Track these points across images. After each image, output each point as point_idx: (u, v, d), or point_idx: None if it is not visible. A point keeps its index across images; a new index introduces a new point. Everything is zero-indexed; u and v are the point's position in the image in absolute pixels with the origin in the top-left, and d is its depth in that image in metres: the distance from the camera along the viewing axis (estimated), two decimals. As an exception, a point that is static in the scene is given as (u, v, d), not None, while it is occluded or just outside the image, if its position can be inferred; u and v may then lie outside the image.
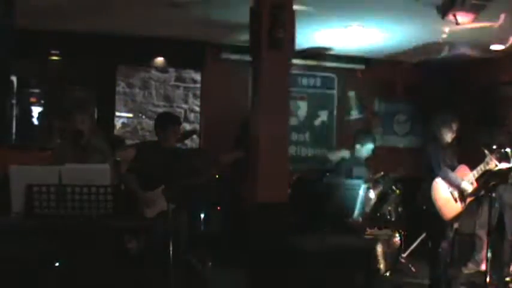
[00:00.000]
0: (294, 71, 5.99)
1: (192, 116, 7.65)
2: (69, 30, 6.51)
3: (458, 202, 5.22)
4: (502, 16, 5.22)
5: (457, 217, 5.29)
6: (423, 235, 6.15)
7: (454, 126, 5.31)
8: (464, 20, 4.71)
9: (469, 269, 5.99)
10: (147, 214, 4.73)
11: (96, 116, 6.66)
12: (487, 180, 5.04)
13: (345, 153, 6.27)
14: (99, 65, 6.89)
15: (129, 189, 4.73)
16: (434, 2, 4.75)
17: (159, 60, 7.29)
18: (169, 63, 7.38)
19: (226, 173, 6.22)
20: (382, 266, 5.67)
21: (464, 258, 6.05)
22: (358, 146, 6.15)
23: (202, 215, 5.89)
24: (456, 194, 5.22)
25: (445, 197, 5.19)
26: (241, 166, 5.40)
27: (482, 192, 5.14)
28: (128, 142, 6.98)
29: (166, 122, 5.12)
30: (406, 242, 6.05)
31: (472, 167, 5.25)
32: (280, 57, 4.65)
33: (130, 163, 4.86)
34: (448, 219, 5.19)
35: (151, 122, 7.22)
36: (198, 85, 7.62)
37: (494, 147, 5.11)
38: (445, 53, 6.99)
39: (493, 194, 4.96)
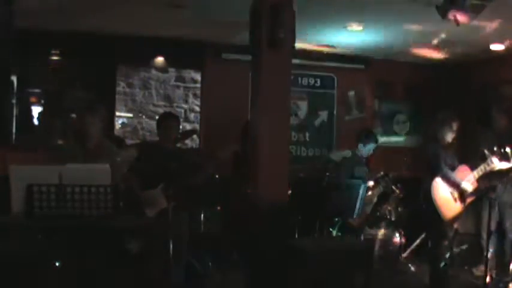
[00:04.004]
0: (294, 71, 5.98)
1: (192, 116, 7.65)
2: (69, 30, 6.51)
3: (458, 202, 5.21)
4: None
5: (457, 217, 5.28)
6: (423, 235, 6.14)
7: (455, 126, 5.31)
8: (464, 20, 4.70)
9: (480, 270, 5.93)
10: (148, 213, 4.73)
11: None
12: (487, 180, 5.04)
13: (346, 153, 6.27)
14: (99, 65, 6.89)
15: (130, 189, 4.73)
16: (434, 2, 4.74)
17: (159, 60, 7.29)
18: (169, 63, 7.37)
19: (227, 173, 6.22)
20: None
21: (475, 260, 5.99)
22: (360, 146, 6.15)
23: (202, 215, 5.89)
24: (456, 194, 5.21)
25: (445, 197, 5.18)
26: (242, 166, 5.40)
27: (483, 192, 5.14)
28: (128, 142, 6.98)
29: (163, 119, 5.20)
30: (406, 242, 6.05)
31: (472, 167, 5.24)
32: (280, 57, 4.64)
33: (133, 163, 4.86)
34: (447, 219, 5.18)
35: (151, 122, 7.25)
36: (198, 85, 7.62)
37: (495, 147, 5.10)
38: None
39: (493, 195, 4.95)
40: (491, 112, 5.71)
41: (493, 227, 5.34)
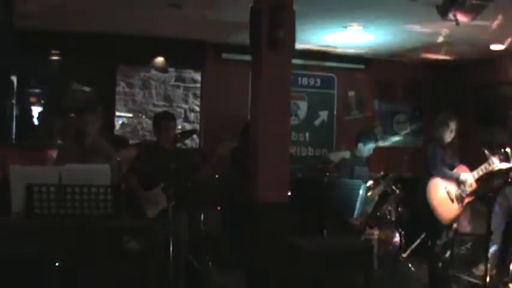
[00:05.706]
0: (294, 71, 5.99)
1: (192, 116, 7.64)
2: (69, 30, 6.51)
3: (455, 202, 5.20)
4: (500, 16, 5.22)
5: (455, 218, 5.27)
6: (423, 235, 6.14)
7: (453, 126, 5.30)
8: (464, 20, 4.70)
9: (479, 270, 5.92)
10: (149, 213, 4.73)
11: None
12: (486, 180, 5.03)
13: (346, 153, 6.26)
14: (99, 65, 6.89)
15: (131, 189, 4.73)
16: (434, 2, 4.74)
17: (159, 60, 7.29)
18: (169, 63, 7.38)
19: (227, 173, 6.22)
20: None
21: (475, 260, 5.98)
22: (360, 145, 6.15)
23: (202, 215, 5.89)
24: (453, 193, 5.20)
25: (442, 196, 5.16)
26: (242, 166, 5.40)
27: (482, 193, 5.12)
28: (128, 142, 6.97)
29: (159, 119, 5.17)
30: (406, 242, 6.05)
31: (472, 167, 5.24)
32: (280, 57, 4.64)
33: (133, 163, 4.87)
34: (444, 219, 5.16)
35: (152, 122, 7.24)
36: (198, 85, 7.61)
37: (496, 147, 5.09)
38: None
39: (498, 195, 4.92)
40: (504, 112, 5.71)
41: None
